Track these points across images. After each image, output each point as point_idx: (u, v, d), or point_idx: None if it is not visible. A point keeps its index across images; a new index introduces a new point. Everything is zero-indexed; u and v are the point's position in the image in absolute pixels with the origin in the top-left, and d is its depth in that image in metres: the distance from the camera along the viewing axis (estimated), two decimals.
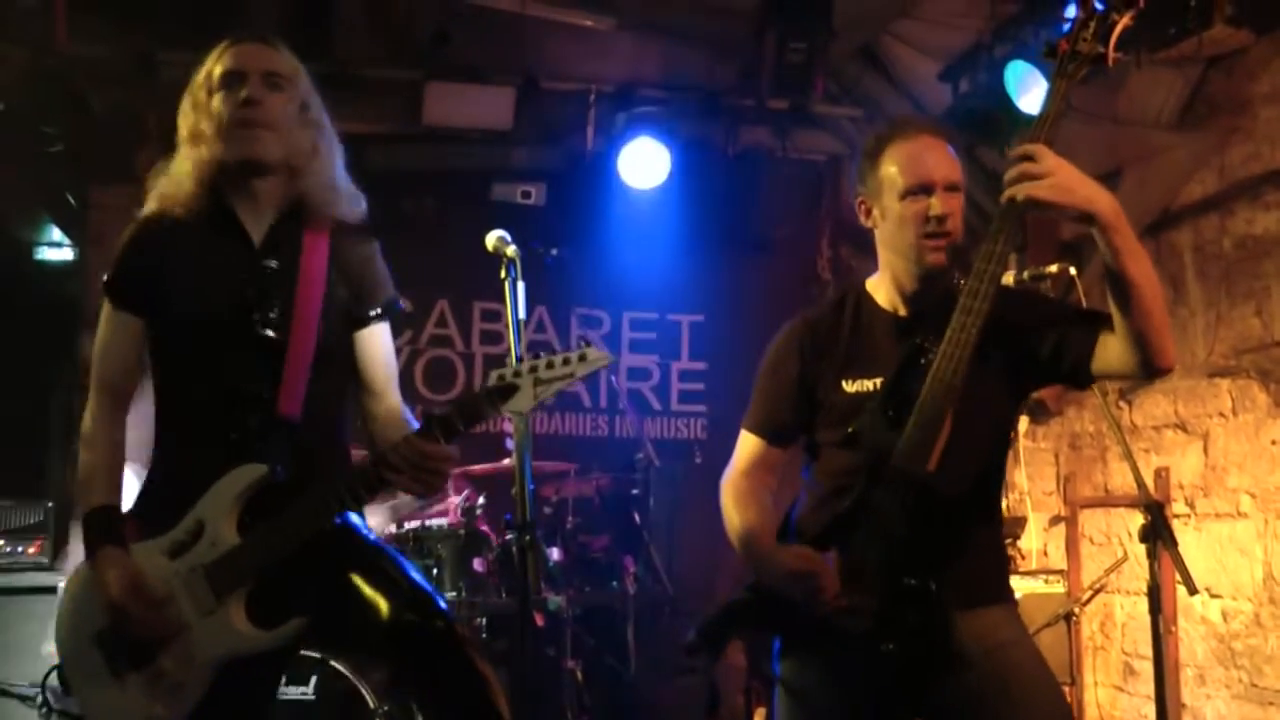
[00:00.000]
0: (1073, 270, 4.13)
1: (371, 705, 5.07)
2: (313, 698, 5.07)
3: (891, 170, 2.96)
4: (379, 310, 3.11)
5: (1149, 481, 5.05)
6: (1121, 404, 5.99)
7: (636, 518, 6.34)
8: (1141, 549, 4.91)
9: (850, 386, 3.00)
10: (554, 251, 5.36)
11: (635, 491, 6.44)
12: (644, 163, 6.92)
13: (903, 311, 3.03)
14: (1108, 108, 5.77)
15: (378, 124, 7.00)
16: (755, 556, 2.99)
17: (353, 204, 3.12)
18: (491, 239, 3.52)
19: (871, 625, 2.74)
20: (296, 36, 6.32)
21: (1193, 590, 3.55)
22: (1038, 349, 2.88)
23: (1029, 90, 5.53)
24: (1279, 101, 5.21)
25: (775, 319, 8.82)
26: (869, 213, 3.06)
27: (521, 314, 3.54)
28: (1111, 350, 2.76)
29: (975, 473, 2.87)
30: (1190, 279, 5.73)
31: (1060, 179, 2.63)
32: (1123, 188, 6.02)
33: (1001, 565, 3.13)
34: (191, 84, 2.97)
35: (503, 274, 3.48)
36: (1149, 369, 2.73)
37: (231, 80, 2.91)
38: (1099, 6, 2.79)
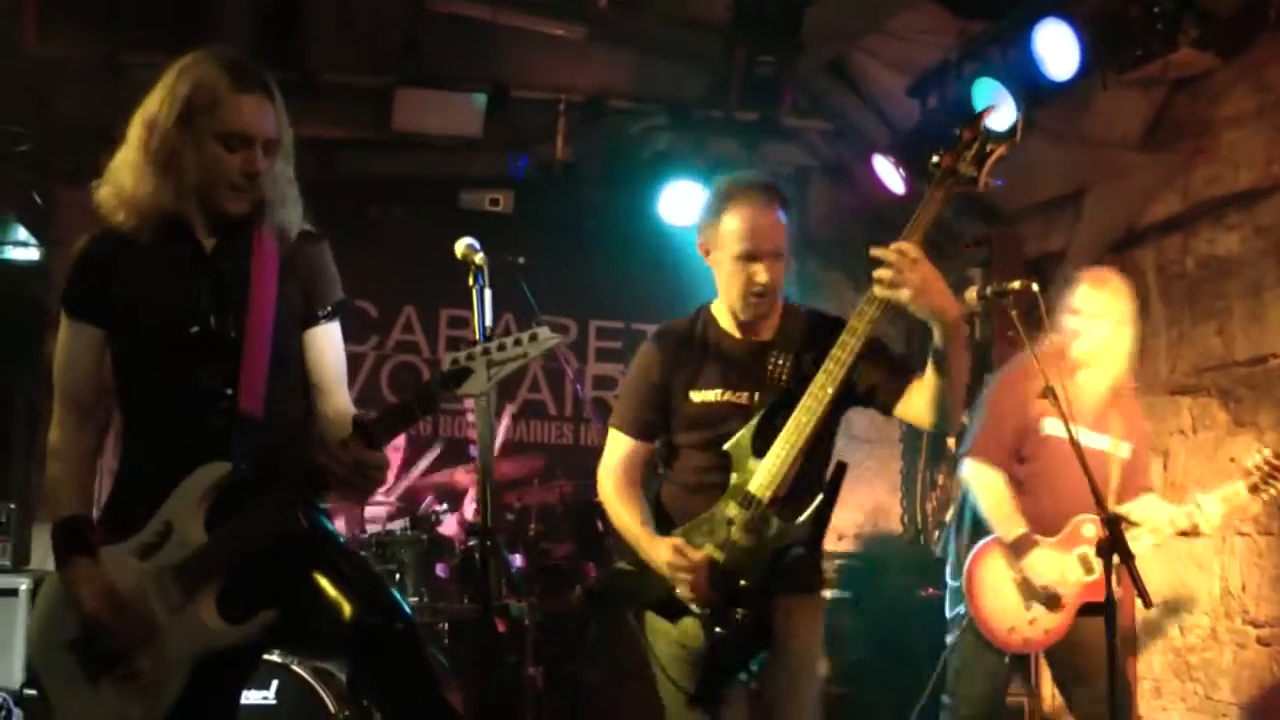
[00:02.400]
0: (1035, 287, 4.15)
1: (332, 710, 5.06)
2: (274, 703, 5.06)
3: (730, 229, 3.41)
4: (328, 310, 3.16)
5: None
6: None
7: (599, 525, 6.34)
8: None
9: (696, 396, 3.49)
10: (520, 260, 5.39)
11: (598, 500, 6.43)
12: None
13: (738, 335, 3.52)
14: (1074, 128, 5.84)
15: (347, 130, 7.01)
16: (638, 542, 3.44)
17: (297, 209, 3.14)
18: (460, 246, 3.55)
19: (712, 613, 3.29)
20: (266, 41, 6.40)
21: (1148, 604, 3.57)
22: (857, 384, 3.40)
23: (996, 108, 5.56)
24: (1243, 125, 5.28)
25: None
26: (708, 253, 3.52)
27: (489, 321, 3.59)
28: (915, 404, 3.35)
29: (810, 491, 3.32)
30: (1153, 298, 5.81)
31: (924, 287, 3.02)
32: (1088, 206, 6.11)
33: (816, 560, 3.52)
34: (175, 91, 2.91)
35: (470, 281, 3.52)
36: (938, 428, 3.40)
37: (235, 142, 2.91)
38: (986, 131, 3.23)
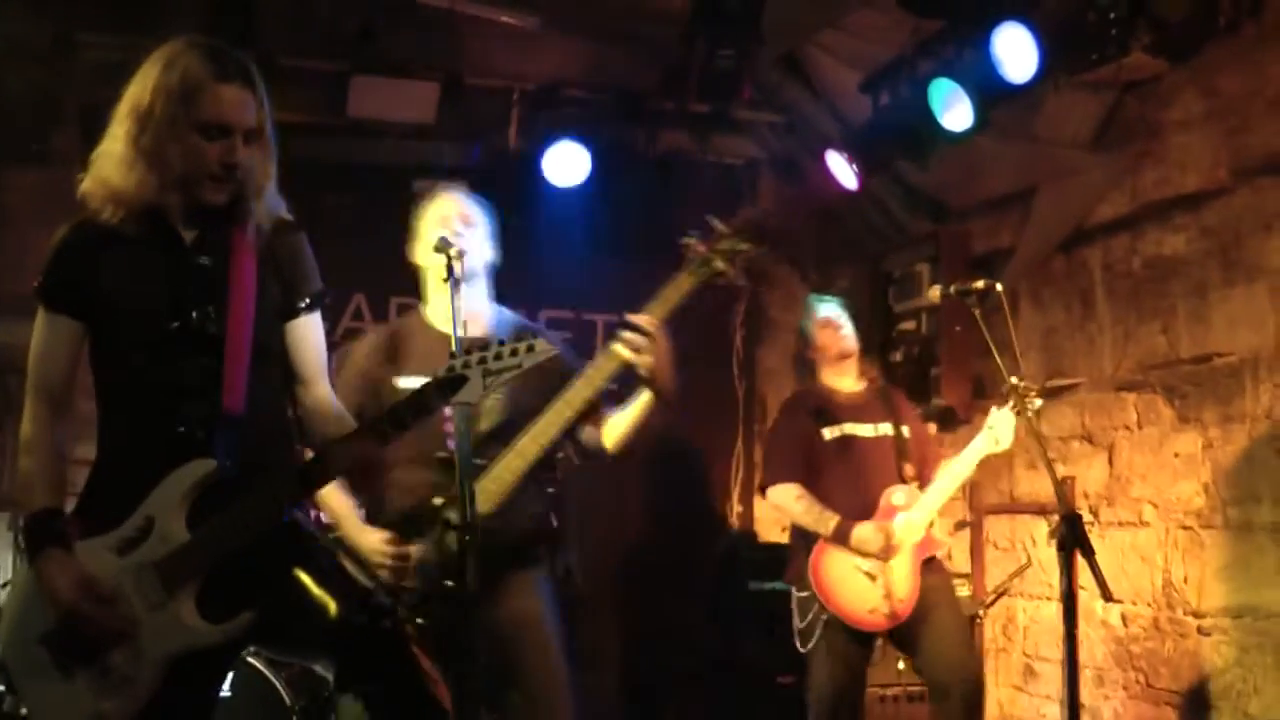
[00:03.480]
0: (999, 286, 4.28)
1: (288, 702, 5.07)
2: (229, 694, 5.05)
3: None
4: (308, 301, 3.19)
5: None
6: (1031, 416, 6.15)
7: (553, 518, 6.36)
8: (1044, 555, 5.12)
9: (403, 383, 3.73)
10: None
11: (551, 490, 6.45)
12: (566, 162, 6.94)
13: (442, 325, 3.82)
14: (1025, 127, 5.92)
15: (301, 114, 6.94)
16: (346, 527, 3.68)
17: (277, 199, 3.15)
18: (435, 240, 3.64)
19: (416, 602, 3.53)
20: (221, 24, 6.33)
21: (1109, 598, 3.72)
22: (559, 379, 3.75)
23: (951, 108, 5.63)
24: (1190, 129, 5.39)
25: (689, 320, 8.79)
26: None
27: (463, 315, 3.62)
28: (606, 434, 3.87)
29: (529, 504, 3.80)
30: (1100, 296, 5.92)
31: (660, 362, 3.57)
32: (1037, 205, 6.20)
33: (536, 537, 3.91)
34: (163, 83, 2.90)
35: (444, 276, 3.62)
36: (612, 455, 3.97)
37: (215, 133, 2.89)
38: (739, 231, 3.62)
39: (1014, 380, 4.34)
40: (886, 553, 4.90)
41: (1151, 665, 5.44)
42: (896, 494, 5.07)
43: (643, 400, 3.70)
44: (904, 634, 5.07)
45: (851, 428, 5.20)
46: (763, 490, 5.34)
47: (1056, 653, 5.84)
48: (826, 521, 4.98)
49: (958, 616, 5.21)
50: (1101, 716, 5.69)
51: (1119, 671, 5.61)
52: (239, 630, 2.88)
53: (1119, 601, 5.57)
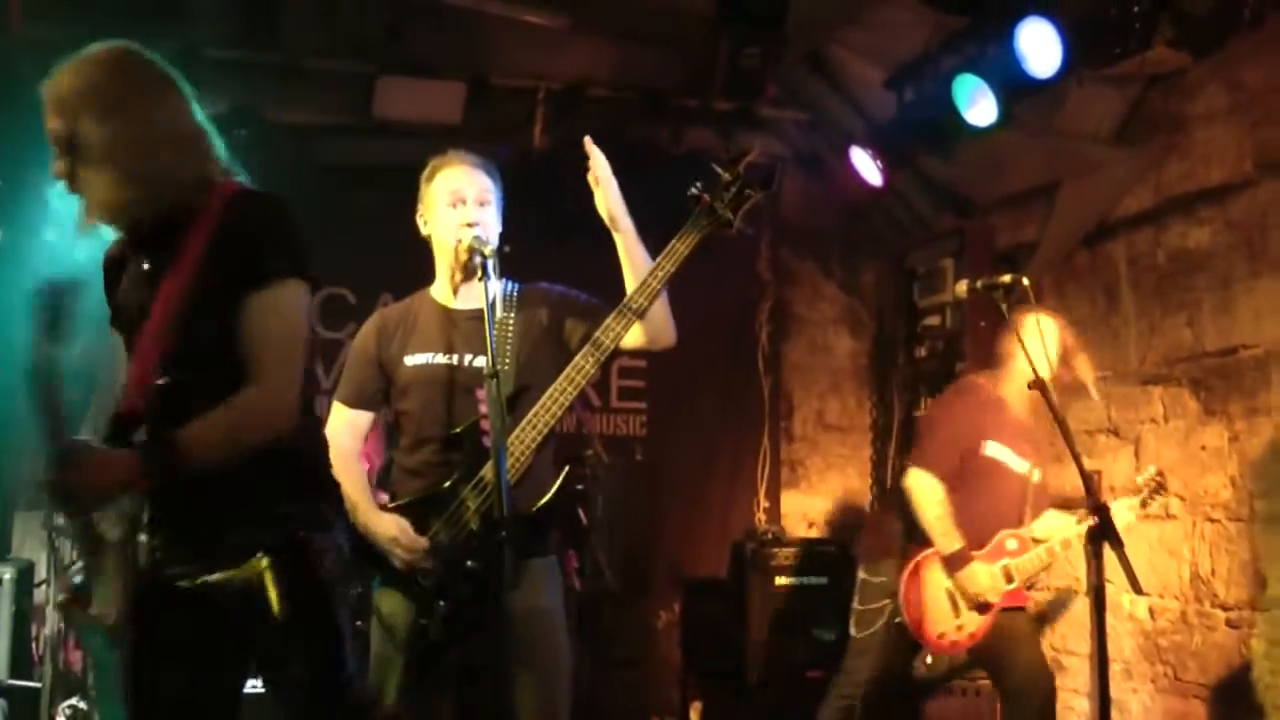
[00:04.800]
0: (1025, 281, 4.26)
1: None
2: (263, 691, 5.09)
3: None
4: (255, 279, 2.77)
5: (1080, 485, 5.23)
6: (1058, 410, 6.15)
7: (582, 514, 6.40)
8: (1072, 549, 5.11)
9: (411, 361, 3.65)
10: (506, 248, 5.41)
11: (580, 487, 6.49)
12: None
13: (454, 303, 3.73)
14: (1049, 122, 5.93)
15: (327, 116, 7.01)
16: (357, 514, 3.50)
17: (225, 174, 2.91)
18: (467, 237, 3.63)
19: (433, 586, 3.44)
20: (246, 26, 6.39)
21: (1139, 590, 3.72)
22: (569, 343, 3.67)
23: (975, 103, 5.65)
24: (1214, 122, 5.39)
25: (716, 318, 8.86)
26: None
27: (499, 312, 3.65)
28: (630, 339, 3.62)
29: (543, 477, 3.55)
30: (1124, 289, 5.92)
31: (612, 193, 3.70)
32: (1061, 199, 6.20)
33: (545, 528, 3.64)
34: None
35: (479, 275, 3.55)
36: (659, 348, 3.72)
37: None
38: (744, 176, 3.59)
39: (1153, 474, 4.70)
40: (989, 597, 4.79)
41: (1180, 658, 5.45)
42: (1010, 540, 4.92)
43: (622, 248, 3.71)
44: (985, 655, 5.04)
45: (1007, 455, 4.97)
46: (907, 465, 5.06)
47: (1085, 646, 5.86)
48: (952, 541, 4.80)
49: (1029, 625, 5.16)
50: (1130, 710, 5.70)
51: (1147, 665, 5.61)
52: None
53: (1147, 595, 5.57)
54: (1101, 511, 3.66)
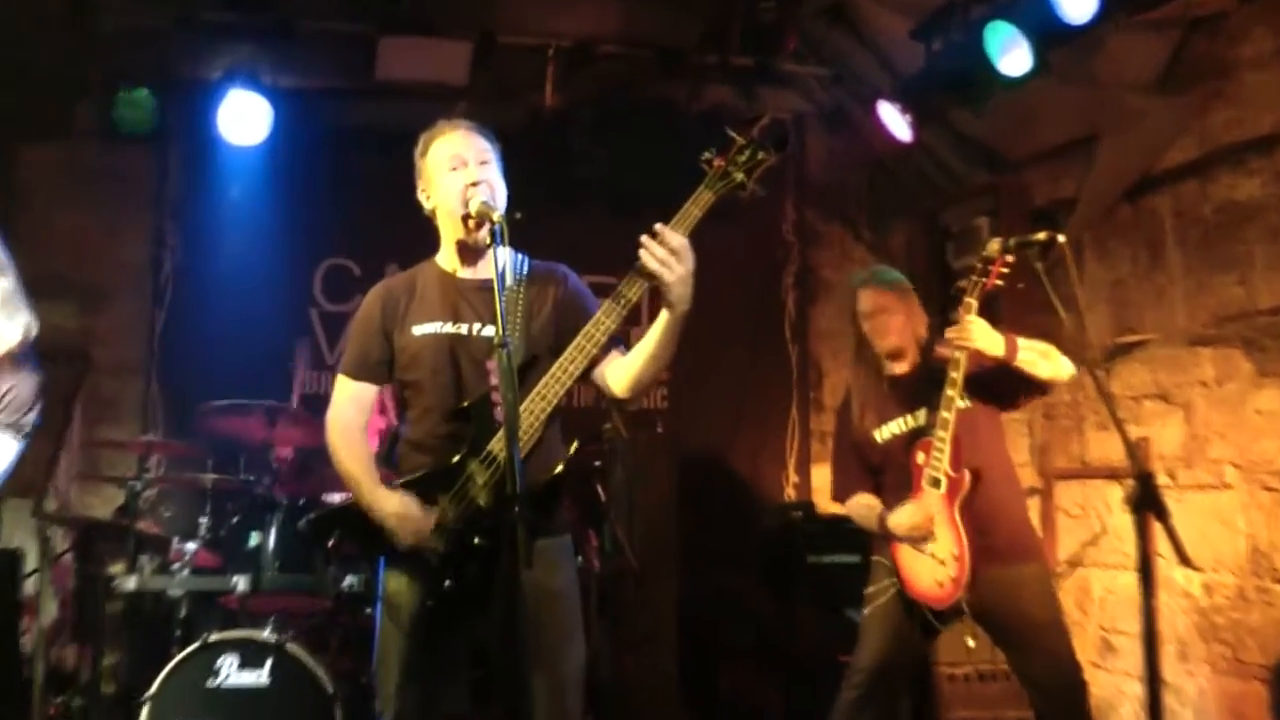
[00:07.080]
0: (1061, 238, 3.97)
1: (330, 690, 4.90)
2: (268, 683, 4.89)
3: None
4: None
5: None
6: (1098, 373, 5.87)
7: (600, 490, 6.17)
8: (1119, 521, 4.79)
9: (418, 331, 3.57)
10: (518, 215, 5.19)
11: (597, 463, 6.26)
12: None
13: (461, 272, 3.65)
14: (1086, 70, 5.64)
15: (328, 79, 6.79)
16: (361, 491, 3.46)
17: None
18: (475, 203, 3.51)
19: (439, 564, 3.35)
20: None
21: (1186, 562, 3.54)
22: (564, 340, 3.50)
23: (1008, 52, 5.39)
24: (1265, 67, 5.09)
25: (739, 283, 8.63)
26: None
27: (509, 280, 3.60)
28: (611, 372, 3.51)
29: (549, 452, 3.44)
30: (1170, 245, 5.64)
31: (684, 278, 3.22)
32: (1100, 152, 5.92)
33: (554, 504, 3.52)
34: None
35: (487, 239, 3.51)
36: (625, 398, 3.55)
37: None
38: (757, 139, 3.42)
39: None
40: (920, 530, 4.43)
41: (1238, 637, 5.16)
42: (918, 455, 4.46)
43: (661, 325, 3.35)
44: (1000, 635, 4.56)
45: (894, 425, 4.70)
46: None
47: (1135, 626, 5.53)
48: (873, 513, 4.60)
49: (1051, 615, 4.50)
50: (1186, 694, 5.40)
51: (1203, 645, 5.32)
52: None
53: (1200, 570, 5.28)
54: (1145, 480, 3.38)
